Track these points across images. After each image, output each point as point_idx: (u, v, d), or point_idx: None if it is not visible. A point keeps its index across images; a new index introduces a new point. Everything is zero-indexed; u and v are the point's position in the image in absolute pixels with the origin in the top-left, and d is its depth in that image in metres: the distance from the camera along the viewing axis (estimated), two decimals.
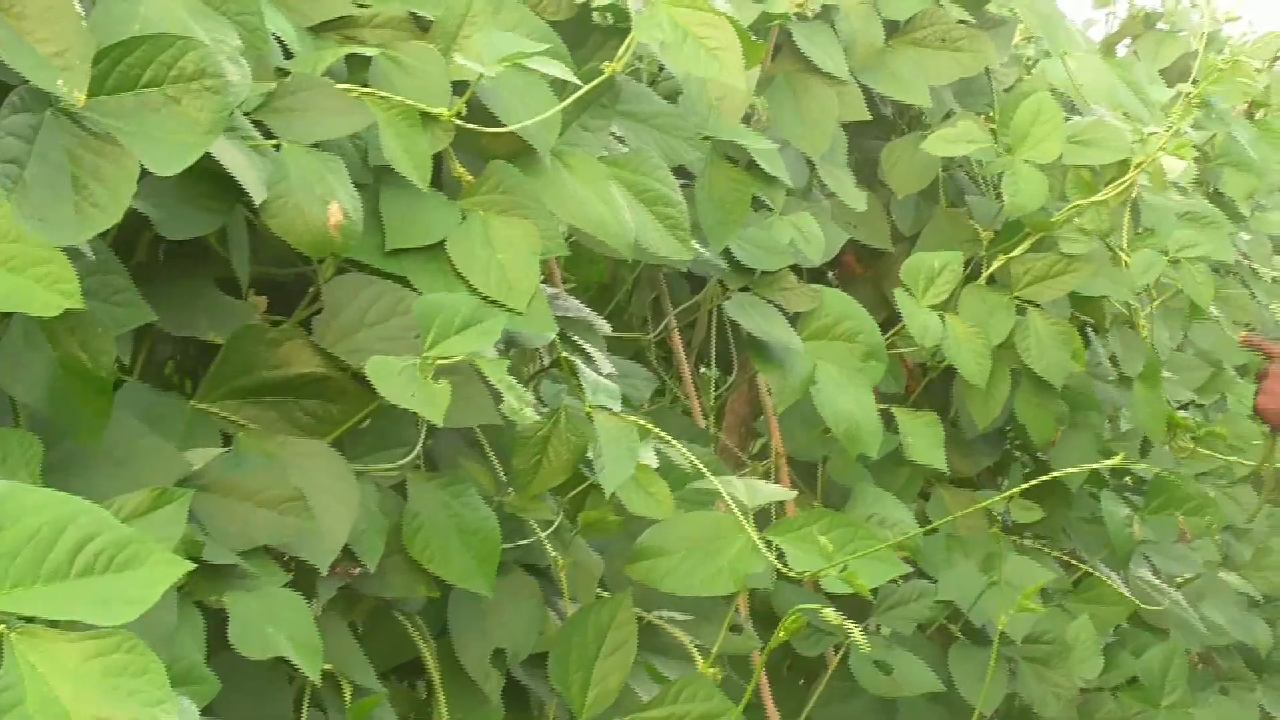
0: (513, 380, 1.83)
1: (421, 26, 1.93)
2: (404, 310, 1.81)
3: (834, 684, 2.79)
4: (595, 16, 2.25)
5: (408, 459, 1.87)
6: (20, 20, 1.44)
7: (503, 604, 2.01)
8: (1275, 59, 5.30)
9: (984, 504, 2.71)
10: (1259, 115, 4.95)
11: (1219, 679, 3.96)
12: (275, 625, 1.57)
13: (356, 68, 1.85)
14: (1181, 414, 3.74)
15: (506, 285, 1.87)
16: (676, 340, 2.71)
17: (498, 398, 1.85)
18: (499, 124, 1.92)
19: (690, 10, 2.02)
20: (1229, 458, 3.65)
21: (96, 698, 1.14)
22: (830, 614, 1.86)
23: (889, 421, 2.78)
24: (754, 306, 2.55)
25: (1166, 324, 3.77)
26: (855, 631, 1.88)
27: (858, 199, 2.80)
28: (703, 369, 2.82)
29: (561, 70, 1.86)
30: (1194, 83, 3.36)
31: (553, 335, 1.95)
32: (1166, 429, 3.51)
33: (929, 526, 2.74)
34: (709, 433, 2.71)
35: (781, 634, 1.92)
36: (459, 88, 1.87)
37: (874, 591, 2.81)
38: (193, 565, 1.20)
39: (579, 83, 1.93)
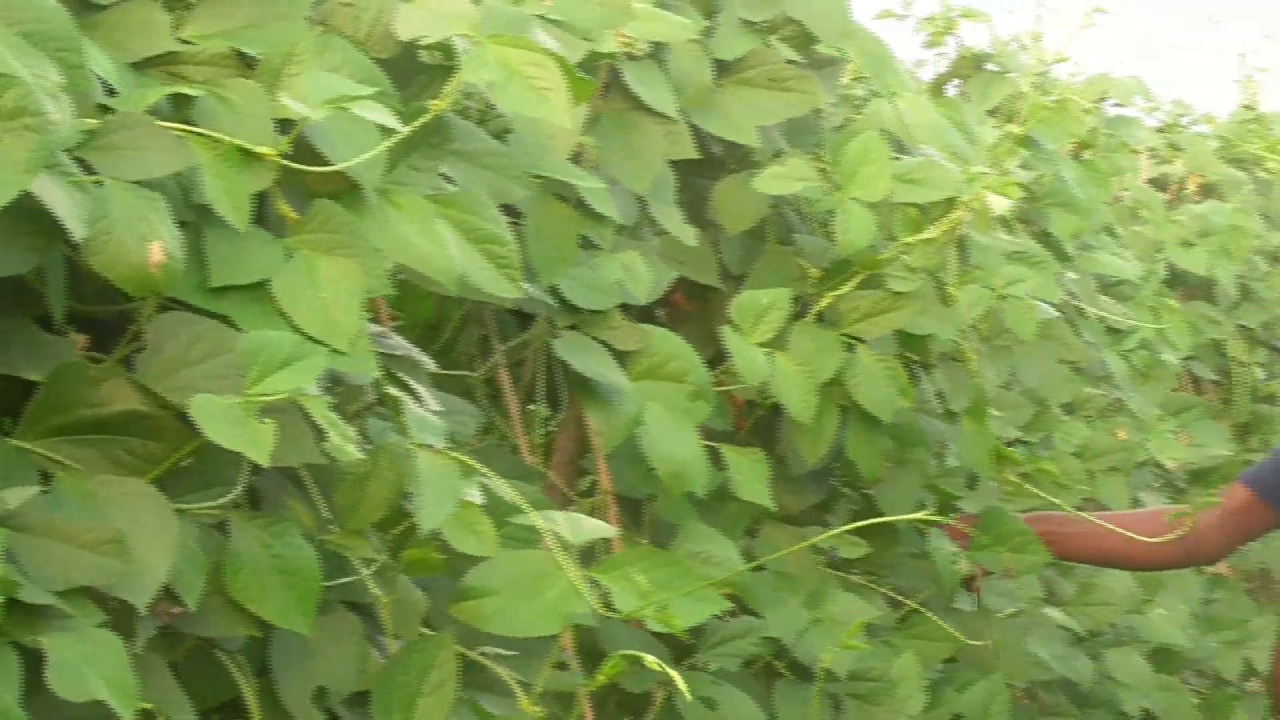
0: (335, 418, 1.87)
1: (246, 64, 1.96)
2: (227, 348, 1.84)
3: None
4: (423, 55, 2.28)
5: (229, 498, 1.90)
6: None
7: (324, 642, 2.04)
8: (1102, 100, 5.47)
9: (811, 541, 2.77)
10: (1085, 156, 5.10)
11: (1042, 714, 4.06)
12: (92, 666, 1.59)
13: (180, 105, 1.87)
14: (1009, 449, 3.85)
15: (330, 324, 1.91)
16: (504, 378, 2.75)
17: (321, 435, 1.89)
18: (325, 162, 1.96)
19: (517, 50, 2.07)
20: (1053, 499, 3.74)
21: None
22: (650, 660, 1.91)
23: (716, 459, 2.85)
24: (582, 345, 2.61)
25: (993, 361, 3.86)
26: (676, 677, 1.93)
27: (687, 235, 2.86)
28: (530, 406, 2.86)
29: (384, 116, 1.90)
30: (1021, 122, 3.46)
31: (375, 374, 1.99)
32: (994, 464, 3.60)
33: (755, 563, 2.80)
34: (536, 470, 2.75)
35: (601, 677, 1.97)
36: (285, 125, 1.91)
37: (700, 627, 2.88)
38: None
39: (400, 128, 1.96)
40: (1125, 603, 4.28)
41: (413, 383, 2.16)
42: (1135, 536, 3.52)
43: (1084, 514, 3.70)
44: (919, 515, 2.12)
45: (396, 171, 2.08)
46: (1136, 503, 4.74)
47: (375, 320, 2.30)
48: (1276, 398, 6.35)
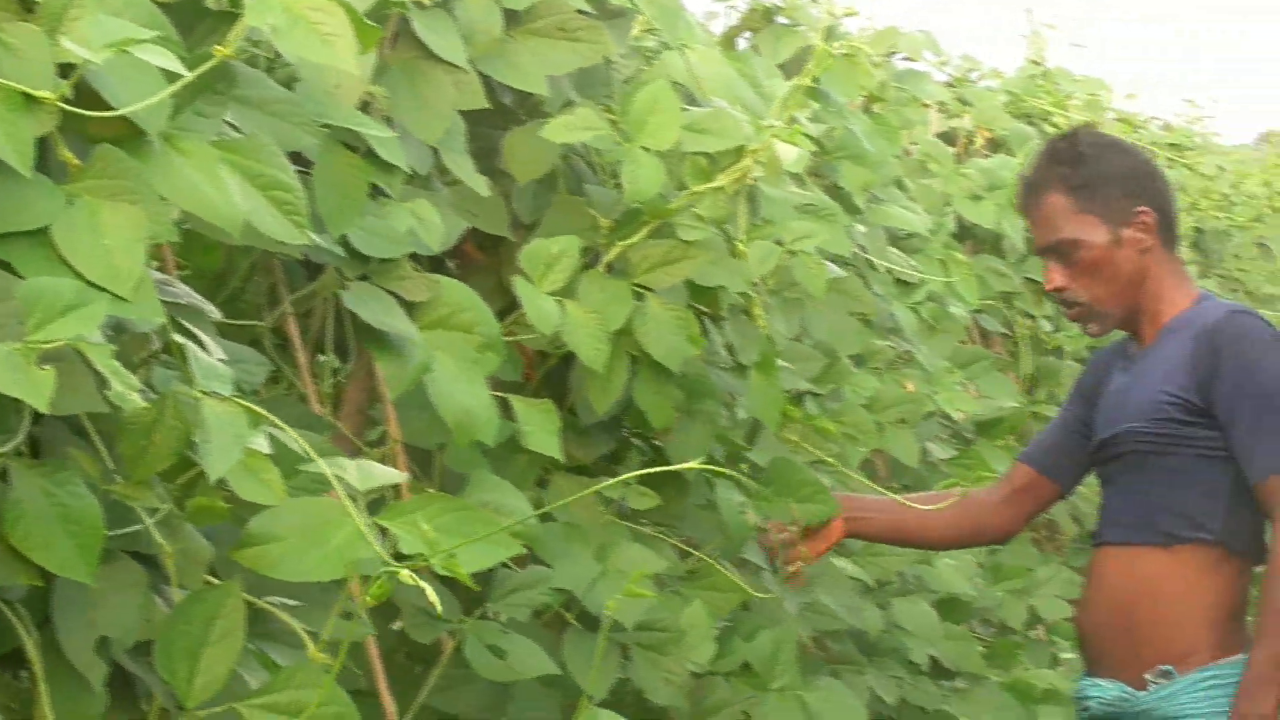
0: (118, 366, 1.89)
1: (26, 7, 1.96)
2: (6, 296, 1.84)
3: (449, 670, 2.88)
4: (208, 0, 2.29)
5: (10, 446, 1.91)
6: None
7: (108, 592, 2.06)
8: (891, 54, 5.58)
9: (598, 487, 2.81)
10: (875, 109, 5.21)
11: (830, 663, 4.15)
12: None
13: None
14: (796, 403, 3.93)
15: (113, 270, 1.92)
16: (293, 328, 2.77)
17: (104, 384, 1.90)
18: (108, 107, 1.96)
19: None
20: (827, 454, 3.84)
21: None
22: (431, 593, 1.94)
23: (506, 409, 2.89)
24: (371, 295, 2.64)
25: (783, 314, 3.94)
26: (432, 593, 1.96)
27: (480, 184, 2.89)
28: (320, 357, 2.88)
29: (168, 60, 1.91)
30: (810, 75, 3.53)
31: (160, 321, 2.00)
32: (782, 417, 3.68)
33: (543, 509, 2.84)
34: (325, 420, 2.77)
35: (369, 598, 1.99)
36: (66, 70, 1.91)
37: (490, 578, 2.93)
38: None
39: (184, 73, 1.98)
40: (913, 552, 4.39)
41: (199, 332, 2.17)
42: (916, 507, 3.59)
43: (881, 493, 3.80)
44: (718, 470, 2.15)
45: (181, 117, 2.09)
46: (925, 453, 4.86)
47: (161, 268, 2.31)
48: (1063, 351, 6.52)
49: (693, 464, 2.16)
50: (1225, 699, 3.20)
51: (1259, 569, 3.29)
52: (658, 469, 2.51)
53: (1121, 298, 3.38)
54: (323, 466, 2.14)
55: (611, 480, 2.54)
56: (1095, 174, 3.36)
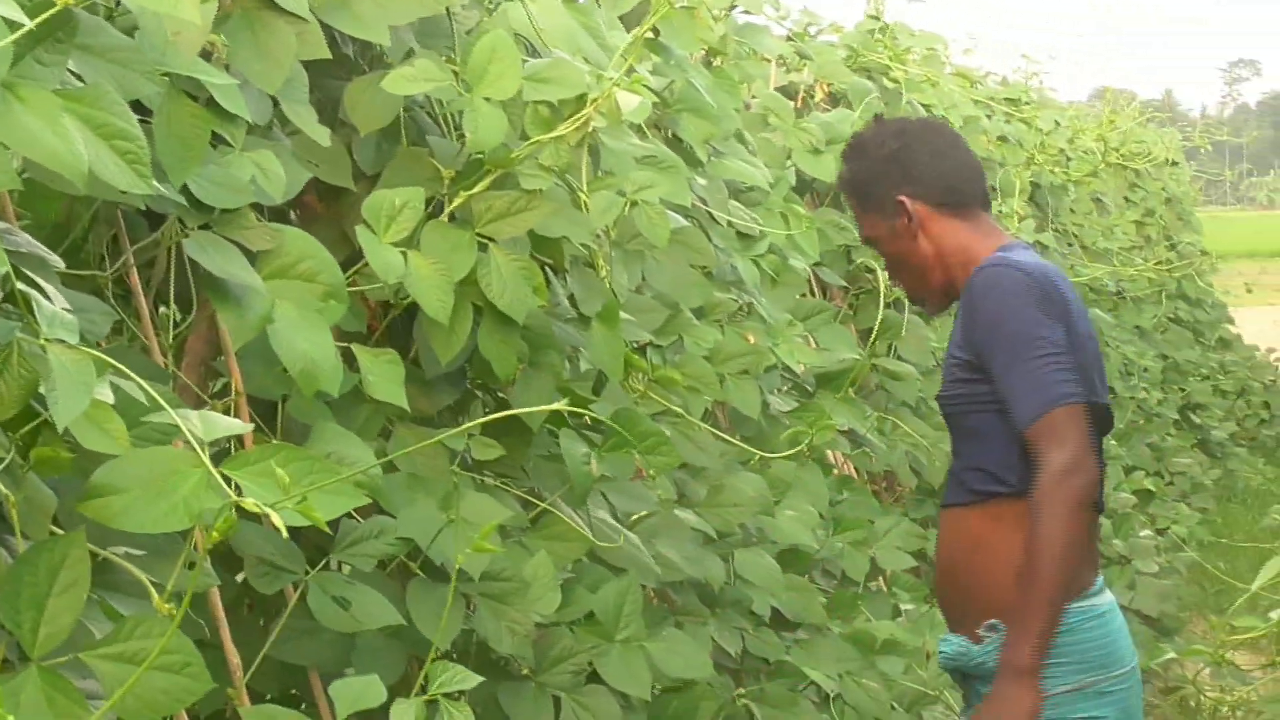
0: None
1: None
2: None
3: (293, 621, 2.91)
4: None
5: None
6: None
7: None
8: (731, 8, 5.64)
9: (441, 437, 2.85)
10: (716, 63, 5.27)
11: (674, 613, 4.22)
12: None
13: None
14: (638, 355, 3.99)
15: None
16: (135, 278, 2.78)
17: None
18: None
19: None
20: (670, 405, 3.91)
21: None
22: (277, 520, 1.95)
23: (350, 360, 2.92)
24: (213, 245, 2.66)
25: (626, 266, 3.99)
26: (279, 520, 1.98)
27: (321, 134, 2.91)
28: (162, 308, 2.90)
29: (9, 8, 1.93)
30: (650, 26, 3.59)
31: (3, 269, 2.02)
32: (624, 368, 3.74)
33: (386, 459, 2.88)
34: (168, 371, 2.79)
35: (215, 534, 2.02)
36: None
37: (334, 529, 2.96)
38: None
39: (25, 21, 1.99)
40: (755, 504, 4.47)
41: (42, 281, 2.19)
42: None
43: (725, 441, 3.89)
44: (559, 405, 2.20)
45: (21, 66, 2.10)
46: (766, 405, 4.94)
47: (1, 218, 2.32)
48: (902, 304, 6.63)
49: (544, 407, 2.20)
50: (1051, 649, 3.26)
51: None
52: (502, 414, 2.55)
53: (926, 280, 3.53)
54: (171, 415, 2.16)
55: (455, 429, 2.57)
56: (857, 176, 3.55)
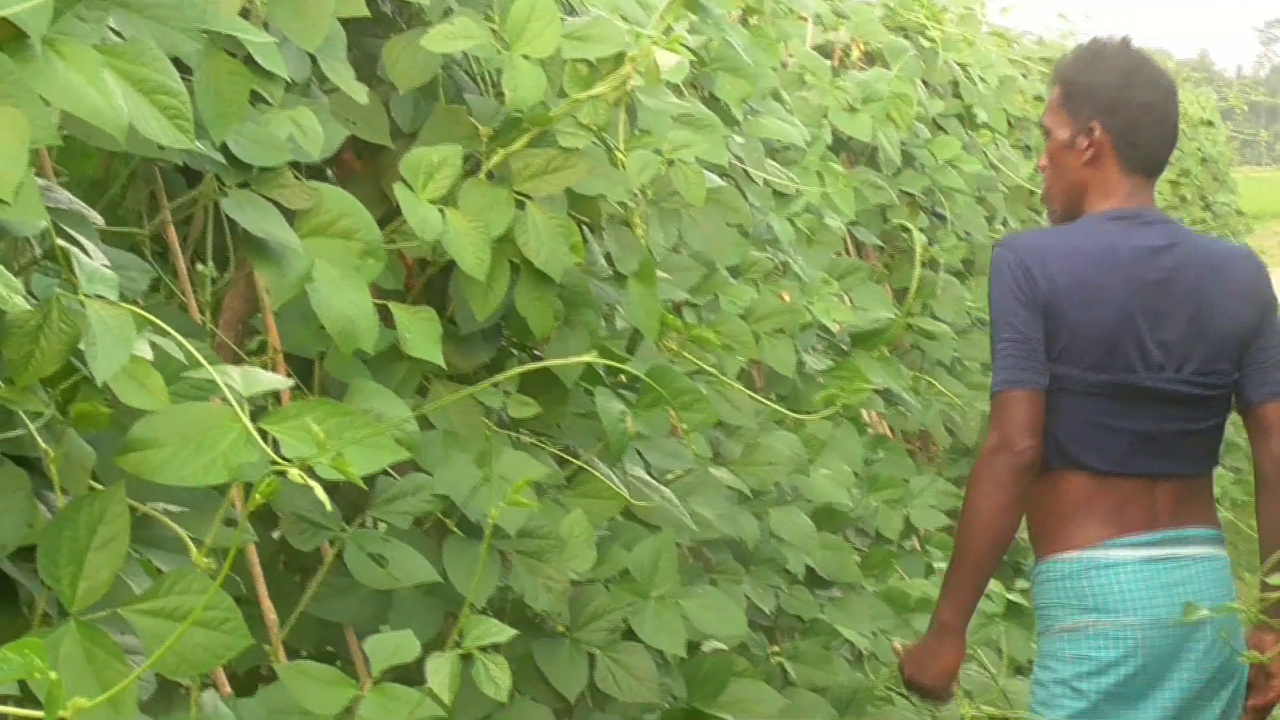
0: (1, 269, 1.90)
1: None
2: None
3: (330, 578, 2.92)
4: None
5: None
6: None
7: None
8: None
9: (474, 390, 2.84)
10: (753, 22, 5.25)
11: (708, 571, 4.23)
12: None
13: None
14: (674, 314, 3.98)
15: None
16: (172, 235, 2.78)
17: None
18: None
19: None
20: (705, 364, 3.90)
21: None
22: (320, 491, 1.96)
23: (387, 318, 2.92)
24: (251, 203, 2.65)
25: (662, 224, 3.98)
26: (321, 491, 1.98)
27: (359, 92, 2.90)
28: (199, 265, 2.89)
29: None
30: None
31: (43, 224, 2.02)
32: (660, 327, 3.73)
33: (420, 411, 2.87)
34: (205, 328, 2.79)
35: (258, 496, 2.02)
36: None
37: (371, 485, 2.96)
38: None
39: None
40: (790, 463, 4.46)
41: (81, 238, 2.18)
42: None
43: (759, 402, 3.93)
44: (585, 359, 2.19)
45: (63, 21, 2.09)
46: (801, 364, 4.94)
47: (40, 174, 2.31)
48: (938, 263, 6.62)
49: (578, 359, 2.19)
50: (1046, 590, 3.57)
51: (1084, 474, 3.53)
52: (536, 365, 2.54)
53: (1061, 197, 3.64)
54: (209, 370, 2.16)
55: (490, 380, 2.55)
56: (1083, 80, 3.60)
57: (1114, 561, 3.49)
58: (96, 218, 2.30)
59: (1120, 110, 3.56)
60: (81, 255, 2.10)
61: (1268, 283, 3.63)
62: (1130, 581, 3.48)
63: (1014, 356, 3.45)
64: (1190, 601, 3.43)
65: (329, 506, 2.00)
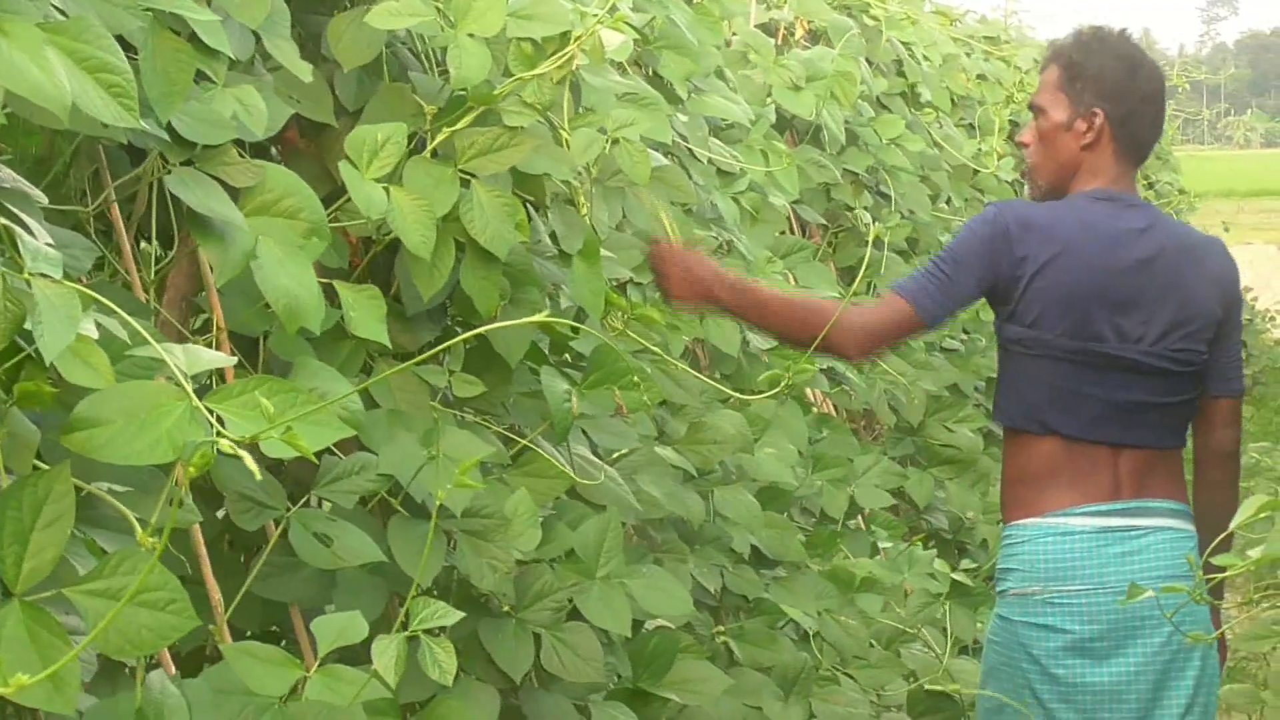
0: None
1: None
2: None
3: (275, 558, 2.92)
4: None
5: None
6: None
7: None
8: None
9: (416, 361, 2.84)
10: (696, 0, 5.26)
11: (654, 551, 4.24)
12: None
13: None
14: (618, 293, 3.99)
15: None
16: (116, 214, 2.78)
17: None
18: None
19: None
20: (650, 343, 3.92)
21: None
22: (251, 463, 1.96)
23: (332, 296, 2.92)
24: (196, 181, 2.65)
25: (606, 203, 3.99)
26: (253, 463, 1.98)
27: (303, 70, 2.90)
28: (143, 244, 2.89)
29: None
30: None
31: None
32: (604, 305, 3.74)
33: (363, 386, 2.87)
34: (149, 307, 2.79)
35: (192, 469, 2.02)
36: None
37: (316, 465, 2.96)
38: None
39: None
40: (735, 442, 4.47)
41: (24, 216, 2.18)
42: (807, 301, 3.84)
43: (703, 381, 4.17)
44: (535, 319, 2.19)
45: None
46: (745, 343, 4.96)
47: None
48: (882, 242, 6.64)
49: (521, 320, 2.20)
50: (1006, 555, 3.73)
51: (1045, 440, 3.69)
52: (473, 332, 2.53)
53: (1051, 175, 3.77)
54: (156, 348, 2.16)
55: (434, 350, 2.55)
56: (1086, 64, 3.72)
57: (1071, 529, 3.63)
58: (40, 196, 2.29)
59: (1123, 99, 3.71)
60: (25, 234, 2.10)
61: (1237, 276, 3.81)
62: (1083, 552, 3.62)
63: (933, 282, 3.64)
64: (1144, 571, 3.57)
65: (259, 476, 2.00)
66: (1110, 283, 3.62)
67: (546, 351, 3.63)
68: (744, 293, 3.73)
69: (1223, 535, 3.44)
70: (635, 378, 3.63)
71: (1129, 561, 3.61)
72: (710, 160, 4.98)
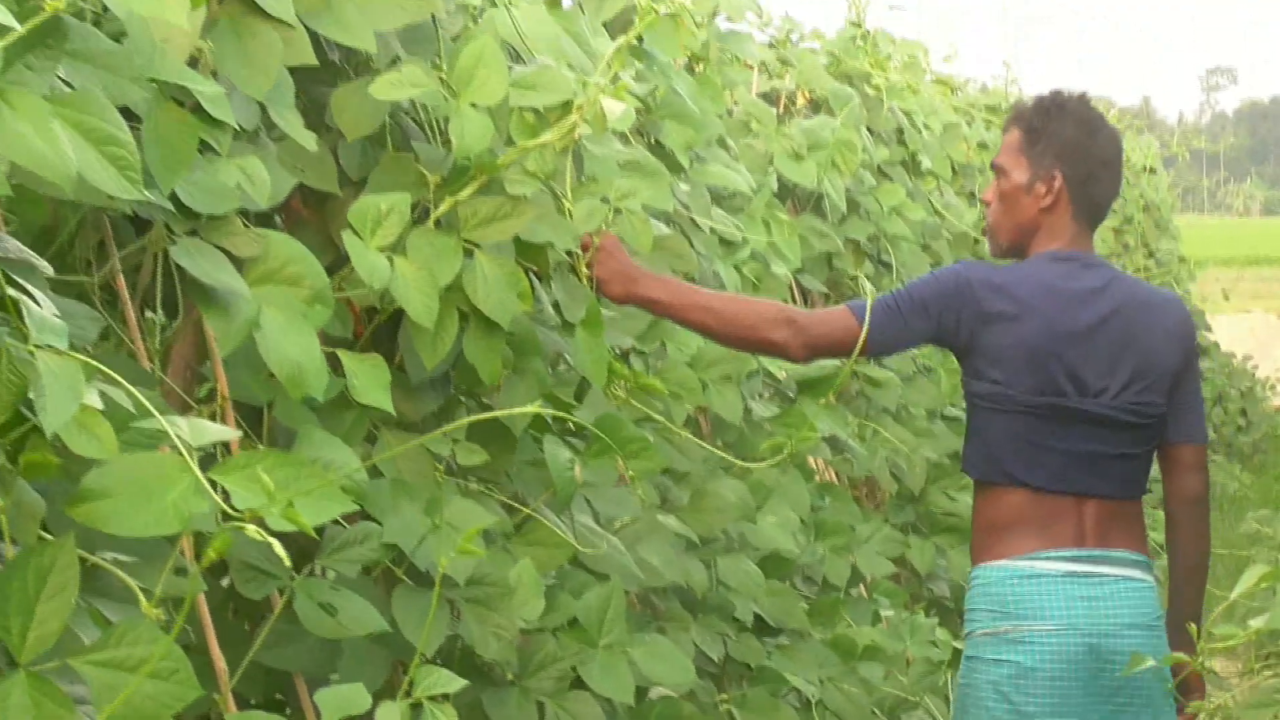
0: None
1: None
2: None
3: (279, 626, 2.91)
4: None
5: None
6: None
7: None
8: (714, 15, 5.66)
9: (425, 440, 2.85)
10: (699, 69, 5.28)
11: (657, 619, 4.23)
12: None
13: None
14: (621, 361, 4.00)
15: None
16: (121, 283, 2.78)
17: None
18: None
19: None
20: (652, 411, 3.92)
21: None
22: (277, 546, 1.98)
23: (335, 366, 2.93)
24: (200, 251, 2.66)
25: None
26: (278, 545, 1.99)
27: (308, 139, 2.91)
28: (148, 313, 2.90)
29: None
30: (634, 33, 3.60)
31: None
32: (607, 374, 3.75)
33: (371, 462, 2.88)
34: (154, 376, 2.79)
35: (211, 553, 2.02)
36: None
37: (320, 534, 2.96)
38: None
39: (16, 26, 1.99)
40: (737, 510, 4.48)
41: (29, 286, 2.19)
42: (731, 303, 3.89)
43: (708, 450, 4.24)
44: (533, 410, 2.21)
45: (12, 71, 2.11)
46: (748, 411, 4.96)
47: None
48: None
49: (526, 409, 2.21)
50: (976, 596, 3.79)
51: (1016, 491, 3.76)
52: (485, 416, 2.55)
53: (1011, 234, 3.86)
54: (160, 420, 2.17)
55: (440, 431, 2.57)
56: (1045, 129, 3.82)
57: (1038, 573, 3.72)
58: (45, 266, 2.30)
59: (1081, 163, 3.81)
60: (31, 304, 2.11)
61: (1193, 329, 3.93)
62: (1050, 593, 3.70)
63: (889, 316, 3.74)
64: (1109, 617, 3.69)
65: (287, 561, 2.01)
66: (1070, 340, 3.72)
67: (550, 421, 3.63)
68: (684, 292, 3.77)
69: (1200, 586, 3.76)
70: (638, 446, 3.63)
71: (1095, 606, 3.70)
72: (712, 229, 5.00)
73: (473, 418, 2.54)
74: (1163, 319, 3.82)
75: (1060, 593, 3.70)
